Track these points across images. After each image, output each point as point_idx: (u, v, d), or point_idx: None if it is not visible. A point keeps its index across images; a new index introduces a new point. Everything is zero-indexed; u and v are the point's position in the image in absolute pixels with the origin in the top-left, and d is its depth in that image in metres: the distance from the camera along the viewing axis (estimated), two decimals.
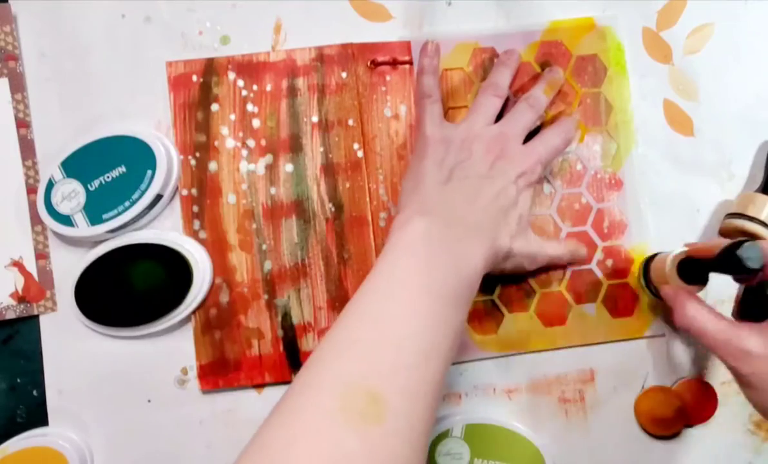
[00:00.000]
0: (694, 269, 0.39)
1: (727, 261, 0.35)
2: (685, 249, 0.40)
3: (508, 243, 0.39)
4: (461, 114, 0.46)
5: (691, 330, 0.37)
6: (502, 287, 0.46)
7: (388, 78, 0.46)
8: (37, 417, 0.44)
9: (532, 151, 0.41)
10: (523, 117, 0.42)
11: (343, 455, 0.28)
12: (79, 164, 0.43)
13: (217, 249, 0.44)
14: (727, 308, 0.46)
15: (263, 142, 0.45)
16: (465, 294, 0.36)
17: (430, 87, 0.43)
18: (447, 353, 0.34)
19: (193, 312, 0.44)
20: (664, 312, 0.46)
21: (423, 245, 0.36)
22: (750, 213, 0.43)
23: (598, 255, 0.46)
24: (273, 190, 0.45)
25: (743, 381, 0.36)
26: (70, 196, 0.43)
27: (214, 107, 0.45)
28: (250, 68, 0.45)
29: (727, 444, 0.46)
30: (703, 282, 0.40)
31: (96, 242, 0.44)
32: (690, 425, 0.45)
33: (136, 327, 0.43)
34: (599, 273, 0.46)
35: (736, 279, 0.38)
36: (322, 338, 0.34)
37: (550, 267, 0.44)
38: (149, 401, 0.45)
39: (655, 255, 0.44)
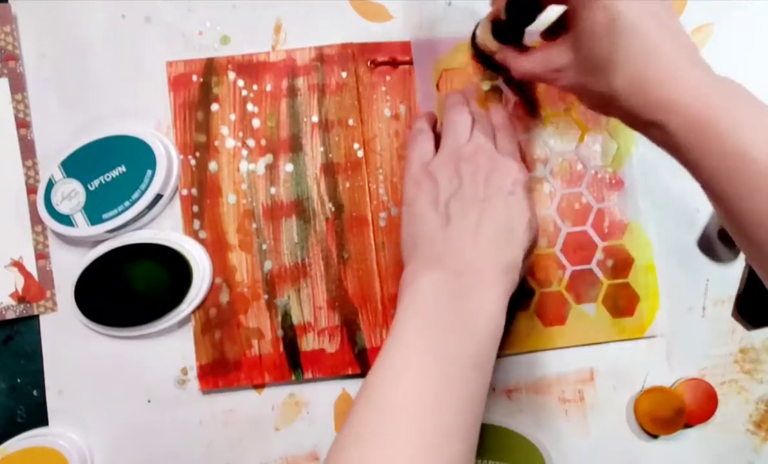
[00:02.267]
0: (502, 30, 0.41)
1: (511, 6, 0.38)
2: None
3: (521, 253, 0.37)
4: None
5: (524, 78, 0.40)
6: None
7: (388, 78, 0.46)
8: (37, 417, 0.44)
9: (509, 155, 0.40)
10: (483, 128, 0.41)
11: None
12: (79, 164, 0.43)
13: (217, 249, 0.44)
14: (727, 307, 0.46)
15: (263, 142, 0.45)
16: (487, 351, 0.34)
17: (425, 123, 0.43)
18: (471, 422, 0.33)
19: (193, 312, 0.44)
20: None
21: (434, 306, 0.34)
22: None
23: (598, 255, 0.46)
24: (273, 190, 0.45)
25: (577, 97, 0.37)
26: (70, 195, 0.43)
27: (214, 107, 0.45)
28: (250, 68, 0.45)
29: (727, 444, 0.46)
30: (515, 39, 0.41)
31: (96, 242, 0.44)
32: (690, 425, 0.45)
33: (136, 327, 0.43)
34: (599, 273, 0.46)
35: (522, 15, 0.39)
36: (343, 424, 0.32)
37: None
38: (149, 401, 0.45)
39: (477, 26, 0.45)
